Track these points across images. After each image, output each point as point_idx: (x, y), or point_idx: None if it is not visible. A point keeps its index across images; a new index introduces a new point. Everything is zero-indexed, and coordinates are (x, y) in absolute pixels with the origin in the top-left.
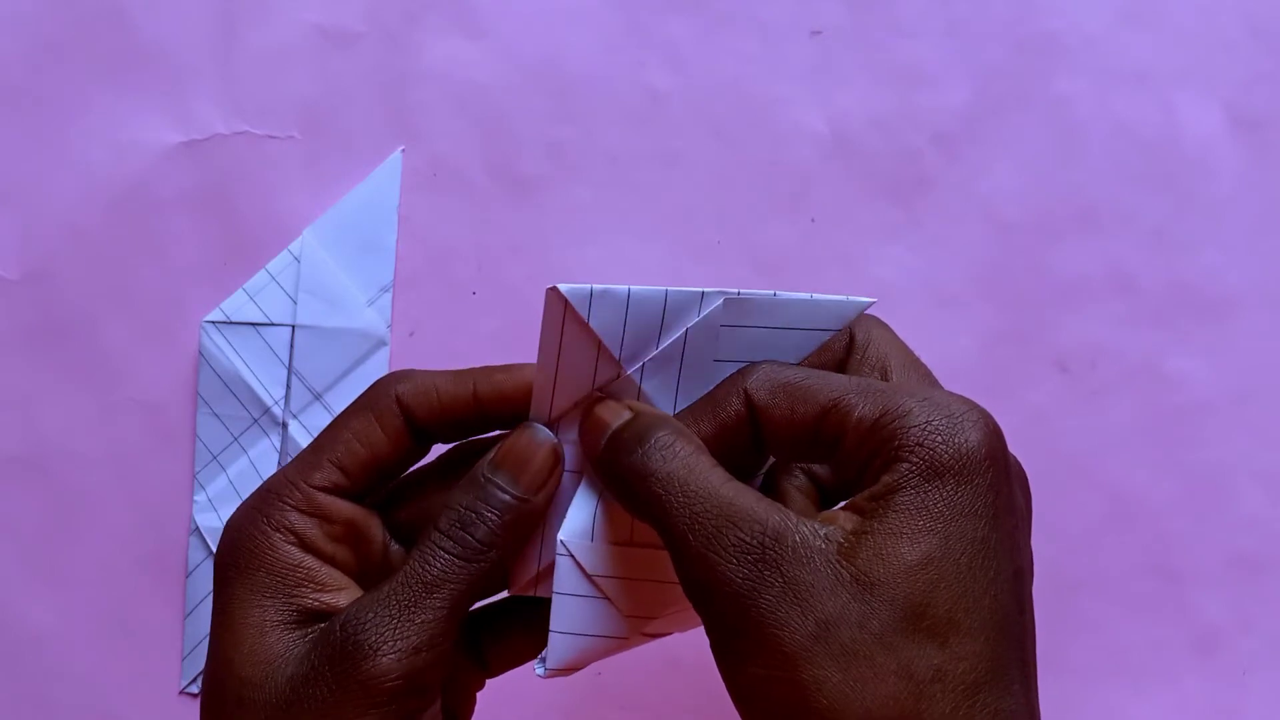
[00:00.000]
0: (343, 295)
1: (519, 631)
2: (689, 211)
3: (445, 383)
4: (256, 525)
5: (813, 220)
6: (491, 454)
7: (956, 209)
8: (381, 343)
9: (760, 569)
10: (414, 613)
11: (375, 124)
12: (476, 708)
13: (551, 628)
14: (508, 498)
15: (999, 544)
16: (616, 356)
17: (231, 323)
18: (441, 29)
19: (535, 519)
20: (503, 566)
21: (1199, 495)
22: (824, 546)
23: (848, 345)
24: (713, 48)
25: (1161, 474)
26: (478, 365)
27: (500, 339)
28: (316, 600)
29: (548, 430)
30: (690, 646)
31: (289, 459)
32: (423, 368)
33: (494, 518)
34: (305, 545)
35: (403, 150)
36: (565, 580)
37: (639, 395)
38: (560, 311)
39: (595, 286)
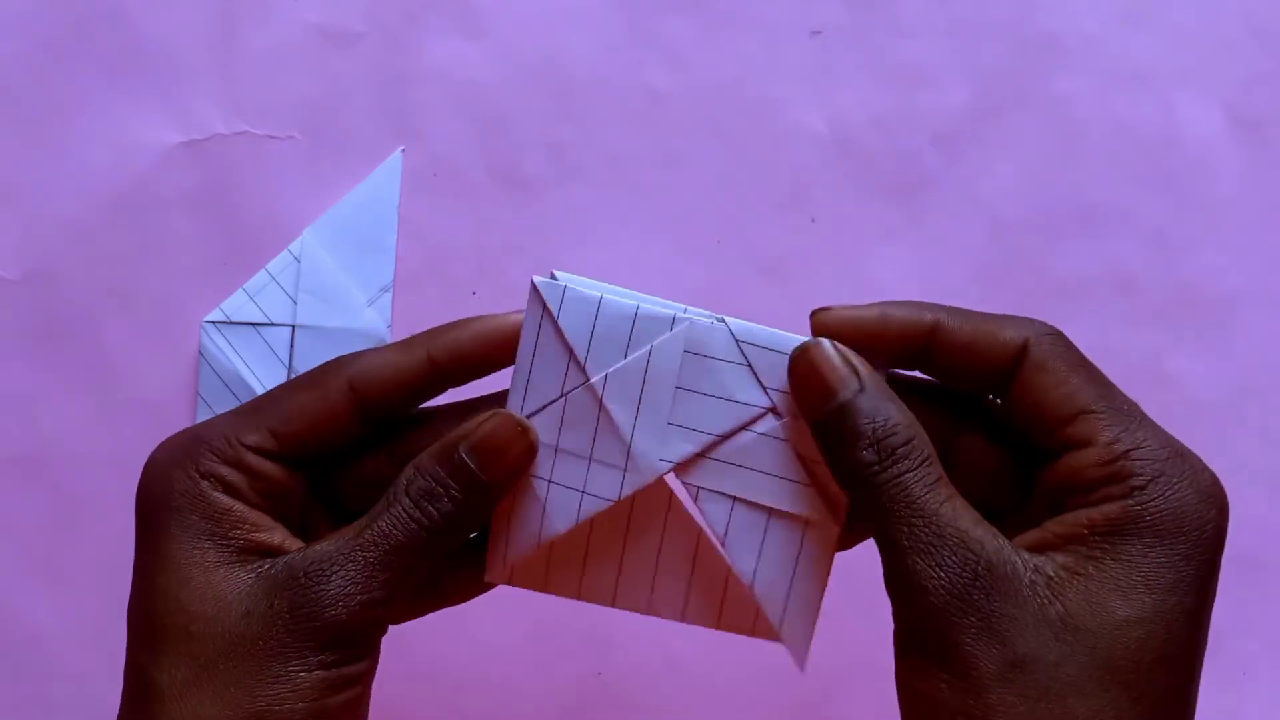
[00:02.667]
0: (343, 295)
1: (435, 585)
2: (689, 211)
3: (396, 356)
4: (185, 471)
5: (813, 220)
6: (468, 433)
7: (956, 209)
8: (381, 342)
9: (968, 592)
10: (377, 571)
11: (375, 124)
12: (477, 708)
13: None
14: (476, 478)
15: (1203, 619)
16: (582, 361)
17: (231, 323)
18: (441, 29)
19: (495, 503)
20: (458, 537)
21: None
22: (1034, 579)
23: (1018, 353)
24: (713, 48)
25: None
26: (439, 325)
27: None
28: (251, 539)
29: (525, 421)
30: (690, 647)
31: None
32: None
33: (458, 496)
34: (232, 492)
35: (403, 150)
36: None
37: (600, 408)
38: (540, 307)
39: (570, 287)
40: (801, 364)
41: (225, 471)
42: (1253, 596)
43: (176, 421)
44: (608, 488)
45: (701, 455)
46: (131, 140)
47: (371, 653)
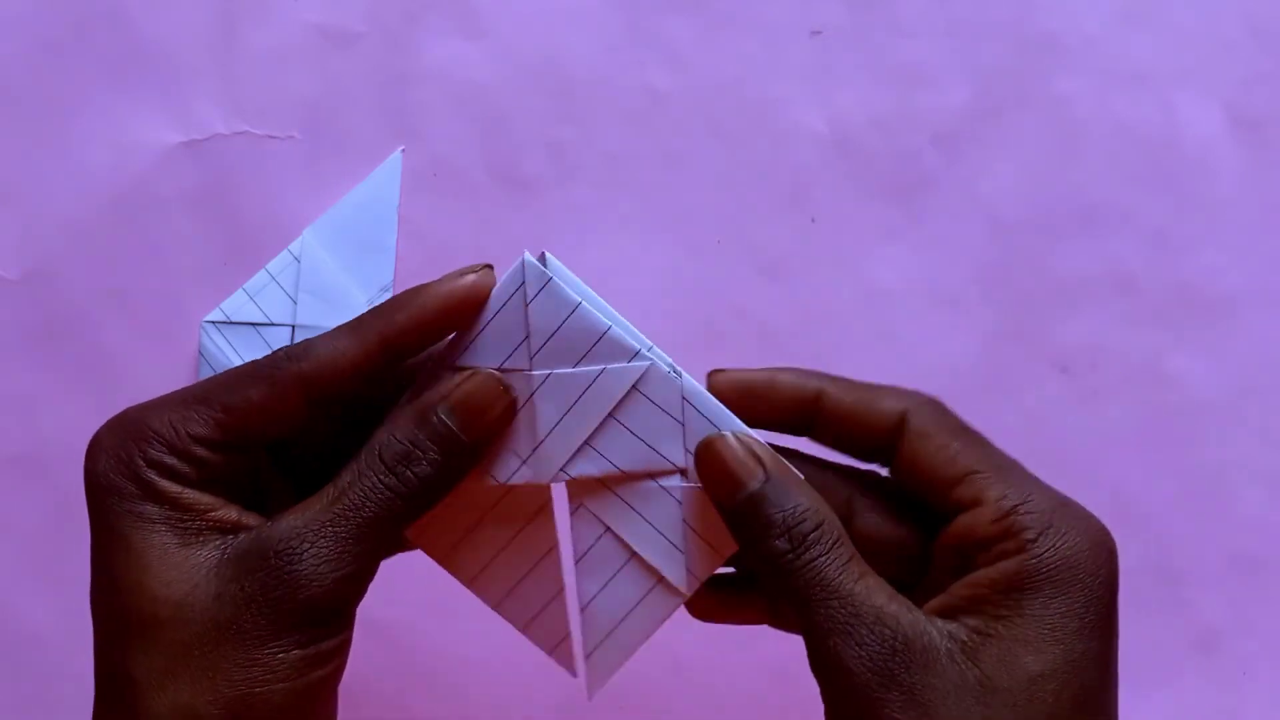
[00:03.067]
0: (343, 295)
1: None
2: (689, 211)
3: (347, 345)
4: (131, 460)
5: (813, 220)
6: (446, 393)
7: (956, 209)
8: None
9: (888, 667)
10: (351, 545)
11: (375, 124)
12: (477, 708)
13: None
14: (456, 439)
15: (1111, 659)
16: (533, 351)
17: (231, 323)
18: (441, 29)
19: (471, 466)
20: (431, 502)
21: (1199, 495)
22: (949, 647)
23: (899, 422)
24: (713, 48)
25: (1161, 474)
26: (388, 300)
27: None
28: (207, 519)
29: (505, 380)
30: (691, 647)
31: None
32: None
33: (437, 458)
34: (181, 479)
35: (403, 150)
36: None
37: (528, 400)
38: (519, 282)
39: (554, 281)
40: (706, 456)
41: (172, 460)
42: (1253, 596)
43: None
44: (502, 470)
45: (600, 481)
46: (131, 140)
47: (348, 625)
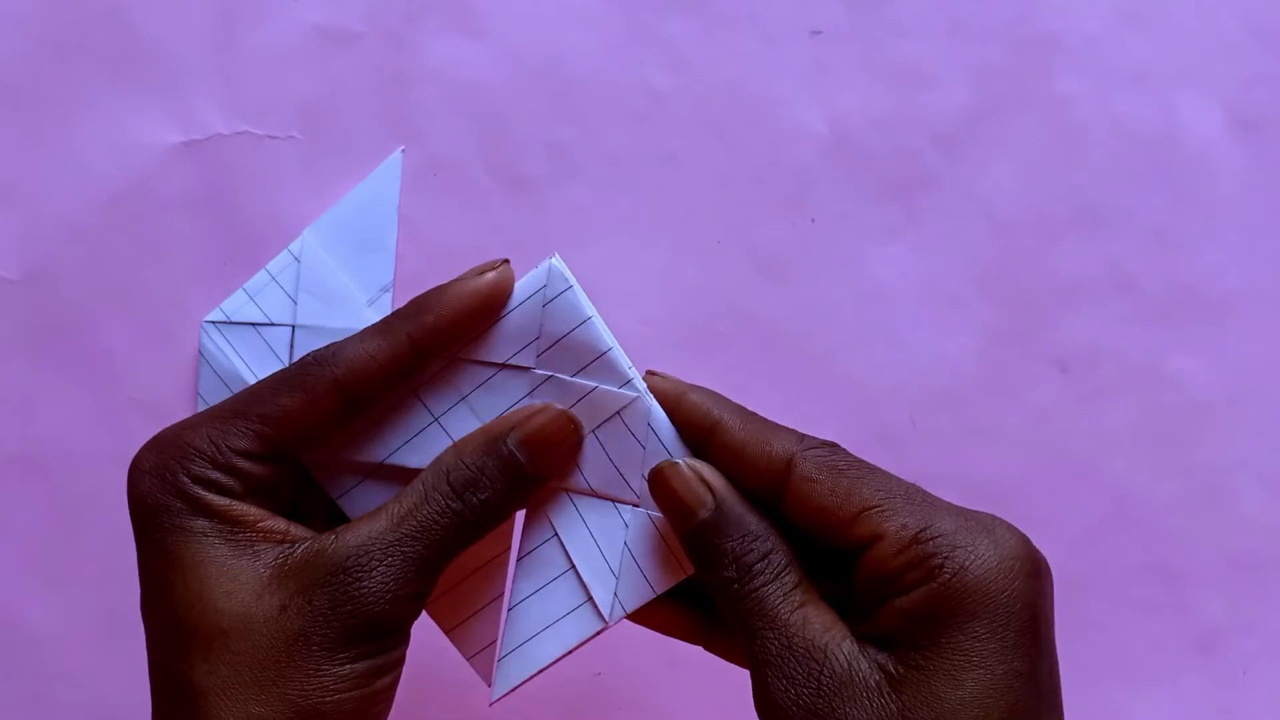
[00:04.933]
0: (343, 295)
1: None
2: (689, 211)
3: (378, 345)
4: (176, 479)
5: (813, 220)
6: (518, 423)
7: (956, 209)
8: None
9: (814, 704)
10: (416, 564)
11: (375, 124)
12: (479, 707)
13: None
14: (523, 473)
15: (1039, 678)
16: (539, 352)
17: (231, 323)
18: (441, 29)
19: (534, 493)
20: (493, 526)
21: (1199, 495)
22: (877, 680)
23: (785, 467)
24: (713, 48)
25: (1161, 474)
26: (412, 299)
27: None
28: (257, 532)
29: (578, 418)
30: (691, 647)
31: None
32: None
33: (503, 488)
34: (228, 494)
35: (403, 150)
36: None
37: (524, 397)
38: (541, 284)
39: (573, 289)
40: (658, 484)
41: (216, 476)
42: (1253, 596)
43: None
44: None
45: (564, 488)
46: (131, 140)
47: (407, 638)
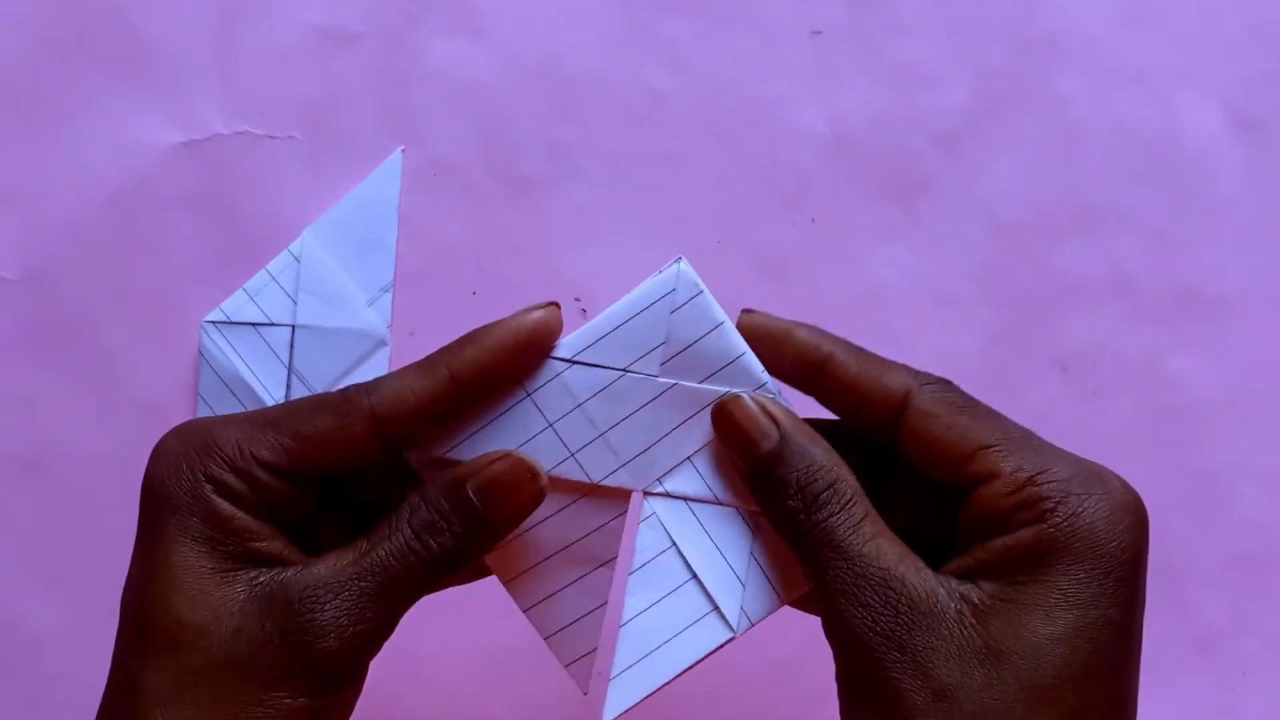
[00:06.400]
0: (343, 295)
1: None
2: (689, 211)
3: (416, 380)
4: (192, 472)
5: (813, 220)
6: (480, 470)
7: (956, 209)
8: (381, 343)
9: (891, 630)
10: (372, 602)
11: (375, 124)
12: (477, 708)
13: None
14: (480, 519)
15: (1132, 629)
16: (665, 358)
17: (231, 323)
18: (441, 29)
19: (497, 541)
20: (453, 570)
21: (1199, 495)
22: (958, 609)
23: (902, 401)
24: (713, 48)
25: (1161, 474)
26: (456, 340)
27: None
28: (249, 548)
29: (537, 466)
30: None
31: None
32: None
33: (460, 532)
34: (235, 501)
35: (403, 150)
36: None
37: (647, 404)
38: (669, 289)
39: (703, 294)
40: (722, 419)
41: (231, 480)
42: (1253, 596)
43: (176, 421)
44: (596, 467)
45: (685, 498)
46: (131, 140)
47: (357, 679)
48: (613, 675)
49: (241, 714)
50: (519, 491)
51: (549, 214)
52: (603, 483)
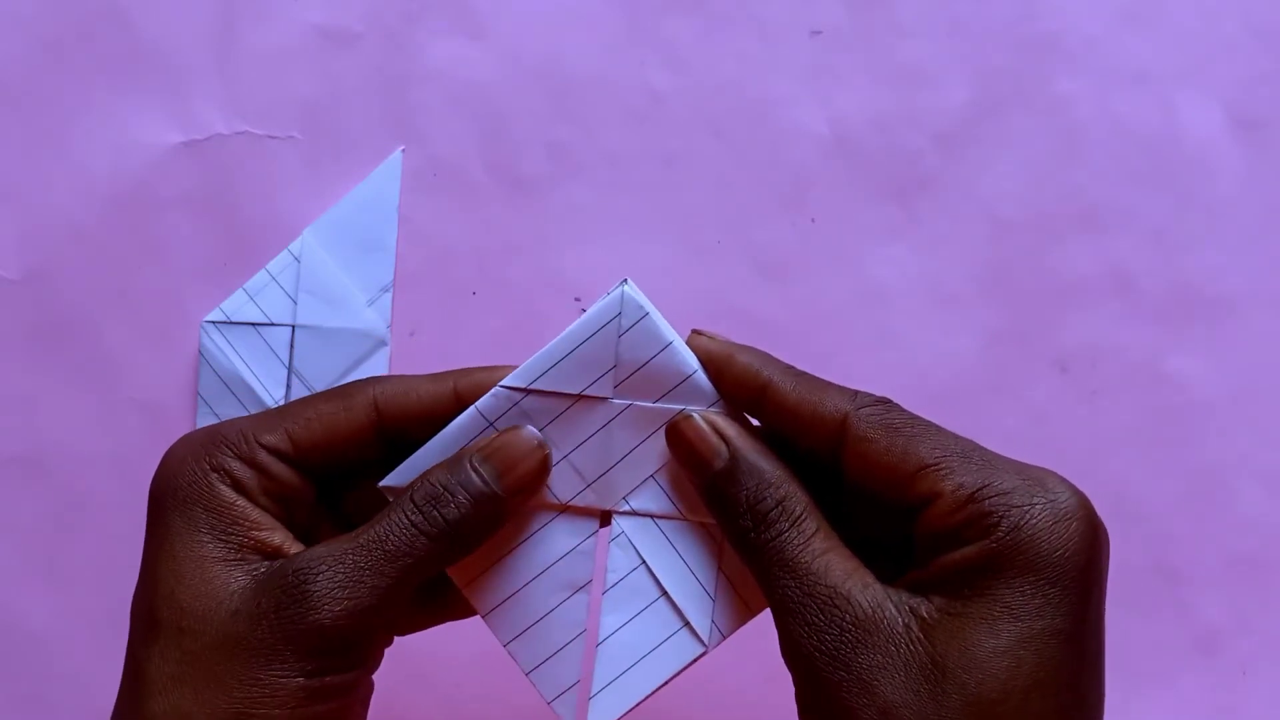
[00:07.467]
0: (343, 295)
1: (437, 599)
2: (689, 211)
3: (424, 384)
4: (198, 463)
5: (813, 220)
6: (483, 444)
7: (956, 209)
8: (381, 343)
9: (837, 649)
10: (368, 576)
11: (375, 124)
12: (480, 708)
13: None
14: (486, 489)
15: (1083, 637)
16: (617, 381)
17: (231, 323)
18: (441, 29)
19: (503, 518)
20: (463, 551)
21: (1199, 495)
22: (906, 624)
23: (840, 426)
24: (713, 48)
25: (1161, 474)
26: (475, 365)
27: (500, 339)
28: (252, 537)
29: (540, 435)
30: None
31: None
32: (422, 368)
33: (466, 503)
34: (239, 489)
35: (403, 150)
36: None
37: (605, 426)
38: (614, 313)
39: (650, 316)
40: (674, 438)
41: (235, 466)
42: (1253, 596)
43: (176, 421)
44: (564, 488)
45: (651, 515)
46: (131, 140)
47: (362, 665)
48: (592, 694)
49: (236, 693)
50: (525, 459)
51: (549, 214)
52: (571, 503)
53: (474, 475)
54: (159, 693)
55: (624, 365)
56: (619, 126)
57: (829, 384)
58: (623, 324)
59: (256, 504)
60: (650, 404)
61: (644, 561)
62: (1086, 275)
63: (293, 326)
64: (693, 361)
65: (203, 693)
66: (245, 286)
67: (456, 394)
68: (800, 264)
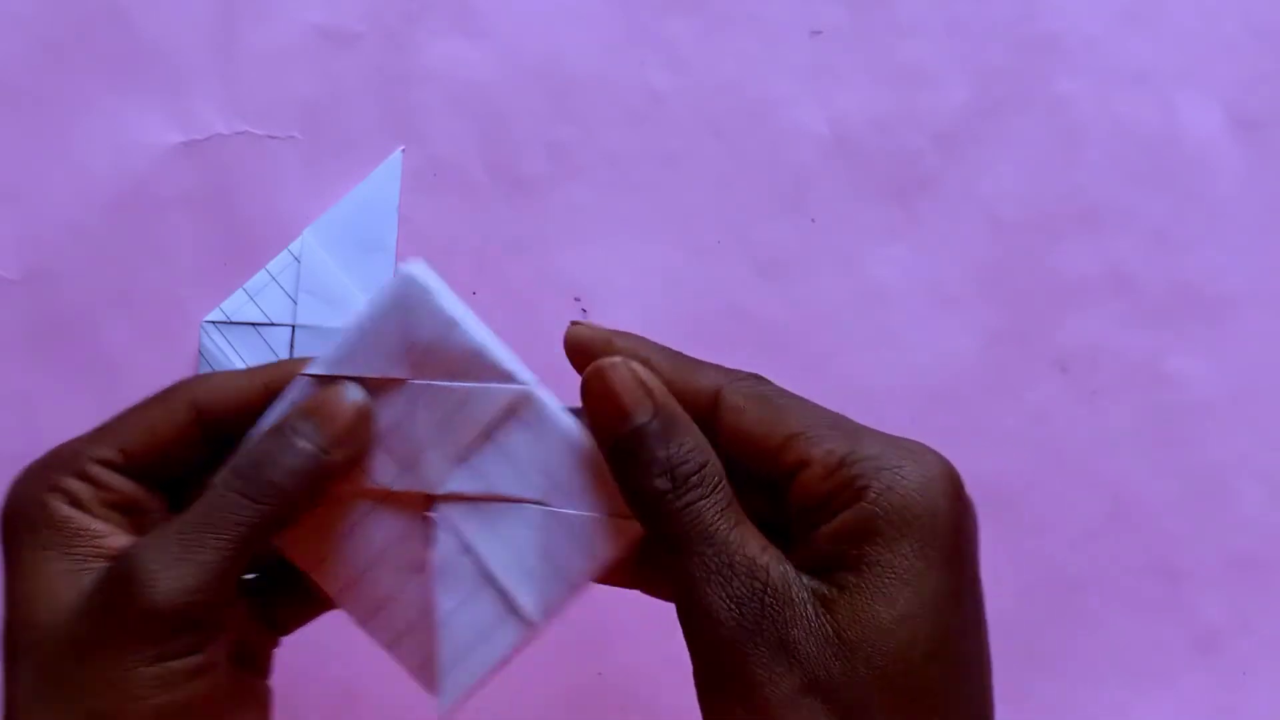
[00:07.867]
0: (343, 295)
1: (306, 591)
2: (689, 211)
3: (237, 379)
4: (37, 486)
5: (813, 220)
6: (300, 404)
7: (956, 209)
8: None
9: (757, 621)
10: (194, 550)
11: (375, 124)
12: (480, 708)
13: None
14: (308, 446)
15: (968, 591)
16: (411, 363)
17: (231, 323)
18: (441, 29)
19: (329, 476)
20: (290, 513)
21: (1199, 495)
22: (810, 603)
23: (713, 400)
24: (713, 48)
25: (1161, 474)
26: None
27: (500, 339)
28: (95, 547)
29: (361, 390)
30: None
31: None
32: None
33: (289, 463)
34: (77, 505)
35: (403, 150)
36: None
37: (412, 408)
38: (399, 295)
39: (432, 297)
40: (596, 385)
41: (72, 484)
42: (1253, 596)
43: None
44: (385, 474)
45: (469, 498)
46: (131, 140)
47: (205, 645)
48: (440, 673)
49: (90, 698)
50: (344, 412)
51: (549, 214)
52: (393, 488)
53: (293, 435)
54: (22, 713)
55: (416, 346)
56: (619, 126)
57: (704, 363)
58: (409, 304)
59: (96, 516)
60: (448, 384)
61: (469, 545)
62: (1086, 275)
63: (293, 326)
64: (481, 339)
65: (57, 703)
66: (245, 286)
67: (265, 387)
68: (800, 264)
